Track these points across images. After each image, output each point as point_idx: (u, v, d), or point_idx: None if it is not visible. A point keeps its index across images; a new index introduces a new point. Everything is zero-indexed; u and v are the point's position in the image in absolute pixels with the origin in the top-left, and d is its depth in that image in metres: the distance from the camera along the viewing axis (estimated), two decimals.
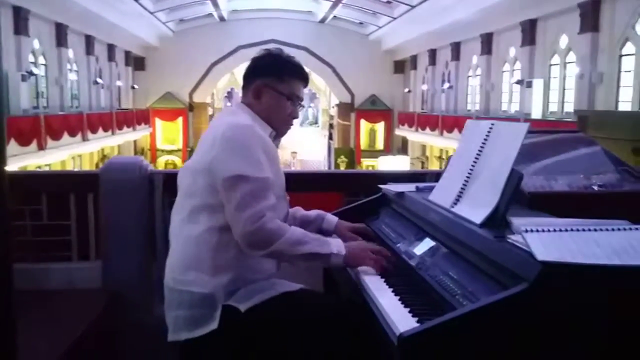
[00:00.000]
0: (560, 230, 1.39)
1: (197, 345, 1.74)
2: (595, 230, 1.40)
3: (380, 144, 27.20)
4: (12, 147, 11.48)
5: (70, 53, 18.09)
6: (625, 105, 11.12)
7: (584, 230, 1.40)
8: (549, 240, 1.33)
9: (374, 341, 1.59)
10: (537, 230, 1.38)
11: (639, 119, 2.81)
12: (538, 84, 14.72)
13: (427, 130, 20.15)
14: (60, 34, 16.99)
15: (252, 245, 1.70)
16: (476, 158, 1.83)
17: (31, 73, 14.69)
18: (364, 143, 27.05)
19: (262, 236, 1.69)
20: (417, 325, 1.30)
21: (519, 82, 15.60)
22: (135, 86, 25.32)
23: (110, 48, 21.86)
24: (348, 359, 1.72)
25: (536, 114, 14.59)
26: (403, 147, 25.98)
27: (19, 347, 1.47)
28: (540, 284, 1.21)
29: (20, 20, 14.15)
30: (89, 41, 19.47)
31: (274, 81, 1.93)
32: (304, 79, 2.00)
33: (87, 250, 2.92)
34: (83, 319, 2.44)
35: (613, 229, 1.39)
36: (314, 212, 2.21)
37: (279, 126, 1.97)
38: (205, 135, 1.89)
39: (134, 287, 2.80)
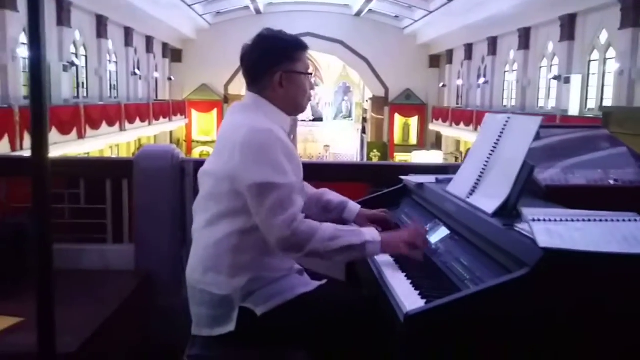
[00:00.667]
0: (568, 220, 1.44)
1: (216, 342, 1.80)
2: (602, 220, 1.44)
3: (413, 139, 27.08)
4: (53, 135, 11.87)
5: (110, 44, 18.54)
6: None
7: (591, 220, 1.44)
8: (554, 229, 1.38)
9: (389, 334, 1.66)
10: (545, 220, 1.44)
11: None
12: (576, 80, 14.46)
13: (462, 125, 20.00)
14: (101, 25, 17.43)
15: (288, 250, 1.73)
16: (492, 151, 1.88)
17: (72, 64, 15.13)
18: (397, 137, 26.96)
19: (296, 240, 1.71)
20: (423, 305, 1.37)
21: (556, 77, 15.35)
22: (172, 78, 25.75)
23: (149, 40, 22.28)
24: (365, 357, 1.77)
25: (573, 110, 14.35)
26: (437, 142, 25.81)
27: (58, 320, 1.59)
28: (541, 269, 1.26)
29: (63, 12, 14.60)
30: (128, 33, 19.91)
31: (291, 64, 1.90)
32: (307, 47, 1.97)
33: (121, 234, 3.06)
34: (116, 298, 2.56)
35: (620, 220, 1.43)
36: (338, 199, 2.23)
37: (303, 104, 1.97)
38: (223, 137, 1.87)
39: (164, 270, 2.92)
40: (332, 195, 2.23)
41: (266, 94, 1.90)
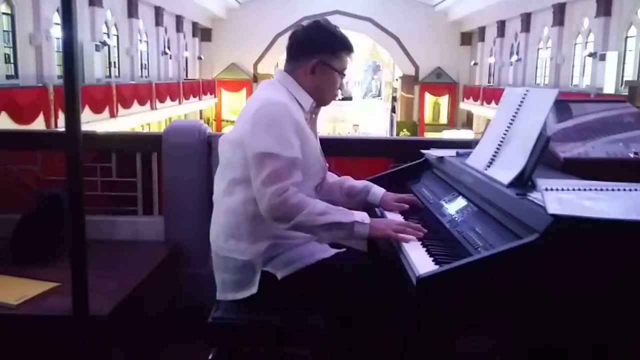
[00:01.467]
0: (581, 190, 1.47)
1: (239, 306, 1.89)
2: (615, 190, 1.46)
3: (444, 118, 26.81)
4: (86, 114, 12.13)
5: (141, 24, 18.74)
6: None
7: (604, 190, 1.47)
8: (566, 198, 1.41)
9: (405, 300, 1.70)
10: (558, 189, 1.46)
11: None
12: (612, 57, 14.09)
13: (493, 104, 19.69)
14: (131, 5, 17.62)
15: (275, 219, 1.77)
16: (510, 123, 1.91)
17: (104, 43, 15.37)
18: (427, 117, 26.73)
19: (284, 210, 1.74)
20: (436, 269, 1.42)
21: (591, 55, 15.00)
22: (202, 57, 25.91)
23: (178, 19, 22.43)
24: (381, 324, 1.82)
25: (608, 88, 14.01)
26: (468, 122, 25.51)
27: (92, 286, 1.68)
28: (550, 236, 1.30)
29: None
30: (158, 12, 20.07)
31: (330, 58, 1.96)
32: (352, 50, 2.04)
33: (151, 206, 3.17)
34: (146, 267, 2.67)
35: (633, 190, 1.45)
36: (361, 184, 2.24)
37: (328, 99, 2.03)
38: (245, 107, 1.95)
39: (192, 241, 3.03)
40: (354, 181, 2.25)
41: (297, 74, 1.97)
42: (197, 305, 2.82)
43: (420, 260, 1.53)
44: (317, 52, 1.95)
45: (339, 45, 1.99)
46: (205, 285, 2.31)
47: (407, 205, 2.15)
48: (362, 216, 1.83)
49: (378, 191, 2.22)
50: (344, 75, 2.03)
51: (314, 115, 2.04)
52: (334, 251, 1.93)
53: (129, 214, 3.16)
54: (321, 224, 1.78)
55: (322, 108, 2.08)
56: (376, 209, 2.21)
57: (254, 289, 1.85)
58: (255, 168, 1.78)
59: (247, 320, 1.85)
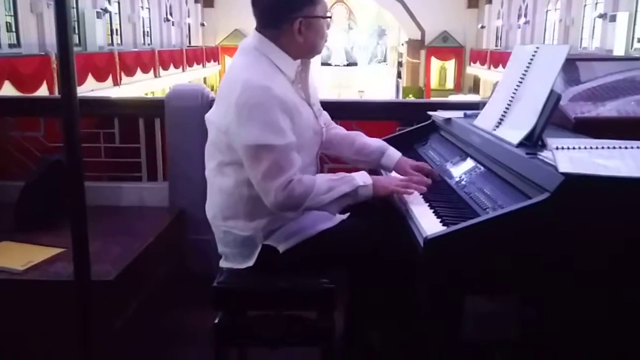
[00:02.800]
0: (592, 148, 1.43)
1: (242, 272, 1.86)
2: (627, 148, 1.42)
3: (450, 83, 26.54)
4: (90, 82, 12.06)
5: None
6: None
7: (616, 148, 1.43)
8: (577, 156, 1.37)
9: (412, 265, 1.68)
10: (568, 148, 1.43)
11: None
12: (622, 17, 13.82)
13: (501, 68, 19.43)
14: None
15: (284, 210, 1.73)
16: (519, 82, 1.85)
17: (105, 10, 15.20)
18: (434, 82, 26.47)
19: (292, 202, 1.71)
20: (444, 230, 1.39)
21: (601, 16, 14.71)
22: (205, 23, 25.61)
23: None
24: (388, 290, 1.80)
25: (619, 50, 13.77)
26: (475, 87, 25.25)
27: (98, 251, 1.67)
28: (561, 194, 1.27)
29: None
30: None
31: (311, 9, 1.78)
32: None
33: (155, 172, 3.15)
34: (151, 233, 2.66)
35: None
36: (375, 143, 2.11)
37: (321, 48, 1.87)
38: (223, 83, 1.81)
39: (196, 207, 3.00)
40: (368, 139, 2.12)
41: (280, 41, 1.79)
42: (201, 271, 2.81)
43: (427, 222, 1.50)
44: (297, 10, 1.76)
45: None
46: (209, 251, 2.30)
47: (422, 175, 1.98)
48: (363, 178, 1.79)
49: (394, 154, 2.08)
50: (330, 17, 1.87)
51: (303, 74, 1.89)
52: (337, 219, 1.87)
53: (133, 180, 3.14)
54: (328, 202, 1.75)
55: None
56: (382, 171, 2.16)
57: (251, 262, 1.83)
58: (251, 161, 1.70)
59: (252, 286, 1.84)
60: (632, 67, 2.40)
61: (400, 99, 26.36)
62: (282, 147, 1.69)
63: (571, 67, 2.39)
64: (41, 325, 2.13)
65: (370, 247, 1.81)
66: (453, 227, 1.35)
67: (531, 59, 1.85)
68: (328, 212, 1.83)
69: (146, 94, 17.38)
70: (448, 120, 2.28)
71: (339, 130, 2.13)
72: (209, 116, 1.86)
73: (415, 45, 26.68)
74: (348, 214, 1.91)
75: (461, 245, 1.33)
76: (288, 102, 1.73)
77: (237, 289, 1.84)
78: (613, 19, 14.01)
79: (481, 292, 1.47)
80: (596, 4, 15.62)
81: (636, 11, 13.71)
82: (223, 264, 1.93)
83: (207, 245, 2.69)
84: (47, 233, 2.50)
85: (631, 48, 13.68)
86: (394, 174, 2.06)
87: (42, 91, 10.55)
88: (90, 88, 11.86)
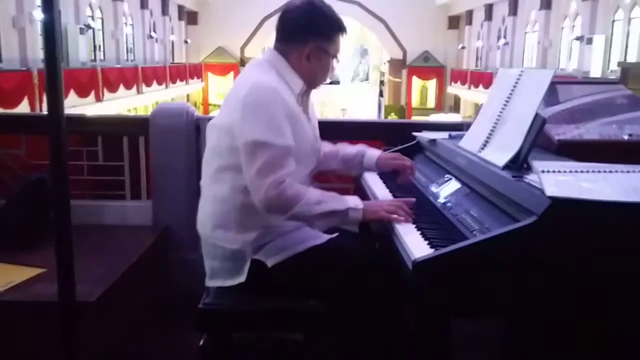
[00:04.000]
0: (577, 172, 1.45)
1: (229, 292, 1.84)
2: (612, 172, 1.45)
3: (431, 102, 26.81)
4: (71, 98, 11.96)
5: (126, 7, 18.46)
6: None
7: (601, 172, 1.45)
8: (563, 180, 1.39)
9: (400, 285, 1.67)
10: (554, 171, 1.45)
11: None
12: (599, 40, 14.12)
13: (481, 88, 19.71)
14: None
15: (271, 211, 1.73)
16: (504, 105, 1.88)
17: (88, 26, 15.15)
18: (415, 101, 26.71)
19: (281, 202, 1.71)
20: (431, 252, 1.39)
21: (578, 38, 15.02)
22: (188, 40, 25.63)
23: (164, 2, 22.15)
24: (376, 308, 1.79)
25: (595, 72, 14.05)
26: (455, 106, 25.54)
27: (79, 271, 1.65)
28: (548, 218, 1.28)
29: None
30: None
31: (326, 43, 1.89)
32: (346, 32, 1.96)
33: (139, 190, 3.12)
34: (134, 252, 2.63)
35: (630, 172, 1.44)
36: (354, 149, 2.21)
37: (319, 83, 1.97)
38: (232, 90, 1.85)
39: (181, 226, 2.98)
40: (349, 147, 2.22)
41: (290, 57, 1.88)
42: (187, 291, 2.78)
43: (415, 244, 1.50)
44: (313, 37, 1.87)
45: (335, 29, 1.91)
46: (195, 270, 2.28)
47: (408, 160, 2.13)
48: (355, 201, 1.80)
49: (373, 154, 2.18)
50: (338, 59, 1.96)
51: (305, 97, 1.96)
52: (326, 237, 1.88)
53: (116, 198, 3.11)
54: (317, 214, 1.75)
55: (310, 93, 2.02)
56: (368, 192, 2.17)
57: (242, 278, 1.81)
58: (247, 157, 1.72)
59: (239, 306, 1.82)
60: (608, 89, 2.45)
61: (383, 117, 26.54)
62: (280, 147, 1.72)
63: (550, 88, 2.43)
64: (22, 348, 2.09)
65: (358, 265, 1.81)
66: (441, 250, 1.35)
67: (516, 83, 1.88)
68: (315, 228, 1.85)
69: (129, 111, 17.30)
70: (433, 141, 2.30)
71: (324, 145, 2.17)
72: (213, 121, 1.90)
73: (397, 65, 26.96)
74: (337, 234, 1.91)
75: (449, 267, 1.33)
76: (293, 110, 1.80)
77: (223, 311, 1.82)
78: (590, 41, 14.31)
79: (468, 315, 1.48)
80: (573, 27, 15.94)
81: (612, 34, 14.02)
82: (209, 282, 1.91)
83: (192, 265, 2.67)
84: (27, 252, 2.46)
85: (608, 70, 13.97)
86: (383, 196, 2.07)
87: (23, 107, 10.43)
88: (72, 104, 11.76)
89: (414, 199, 1.85)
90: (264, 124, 1.71)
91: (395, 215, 1.75)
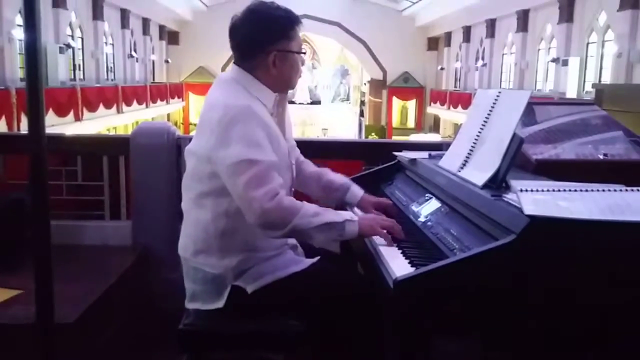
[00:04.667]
0: (555, 191, 1.48)
1: (210, 315, 1.82)
2: (589, 191, 1.47)
3: (411, 122, 27.05)
4: (50, 117, 11.84)
5: (106, 26, 18.41)
6: None
7: (577, 191, 1.48)
8: (541, 199, 1.41)
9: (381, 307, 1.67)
10: (532, 190, 1.47)
11: None
12: (574, 62, 14.42)
13: (460, 108, 19.95)
14: (96, 7, 17.30)
15: (268, 225, 1.67)
16: (483, 125, 1.91)
17: (68, 46, 15.06)
18: (395, 121, 26.93)
19: (279, 214, 1.65)
20: (412, 271, 1.40)
21: (554, 60, 15.31)
22: (169, 60, 25.62)
23: (145, 22, 22.13)
24: (357, 333, 1.77)
25: (571, 93, 14.32)
26: (435, 126, 25.78)
27: (57, 292, 1.62)
28: (526, 236, 1.30)
29: None
30: (124, 15, 19.77)
31: (285, 43, 1.82)
32: (300, 20, 1.86)
33: (118, 210, 3.09)
34: (114, 273, 2.61)
35: (605, 190, 1.47)
36: (339, 180, 2.13)
37: (293, 83, 1.90)
38: (202, 115, 1.81)
39: (161, 246, 2.96)
40: (334, 176, 2.14)
41: (257, 73, 1.83)
42: (167, 311, 2.75)
43: (396, 263, 1.51)
44: (271, 44, 1.80)
45: (289, 25, 1.83)
46: (175, 291, 2.26)
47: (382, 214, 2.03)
48: (351, 214, 1.78)
49: (357, 191, 2.11)
50: (304, 52, 1.91)
51: (280, 108, 1.90)
52: (307, 262, 1.86)
53: (95, 218, 3.08)
54: (315, 226, 1.69)
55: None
56: (347, 208, 2.17)
57: (220, 303, 1.79)
58: (233, 177, 1.67)
59: (219, 327, 1.80)
60: (583, 110, 2.50)
61: (364, 137, 26.71)
62: (264, 161, 1.68)
63: (527, 108, 2.48)
64: None
65: (340, 291, 1.79)
66: (422, 269, 1.37)
67: (494, 103, 1.92)
68: (313, 244, 1.76)
69: (108, 130, 17.16)
70: (413, 160, 2.32)
71: (307, 165, 2.15)
72: (190, 147, 1.85)
73: (377, 85, 27.20)
74: (318, 258, 1.90)
75: (430, 286, 1.34)
76: (269, 124, 1.76)
77: (203, 331, 1.81)
78: (565, 63, 14.60)
79: (449, 333, 1.48)
80: (549, 49, 16.26)
81: (586, 56, 14.34)
82: (189, 304, 1.89)
83: (172, 285, 2.64)
84: (4, 274, 2.41)
85: (583, 91, 14.25)
86: (356, 210, 2.09)
87: (1, 126, 10.31)
88: (50, 123, 11.64)
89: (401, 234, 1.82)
90: (244, 144, 1.67)
91: (388, 232, 1.74)
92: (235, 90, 1.80)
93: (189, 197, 1.85)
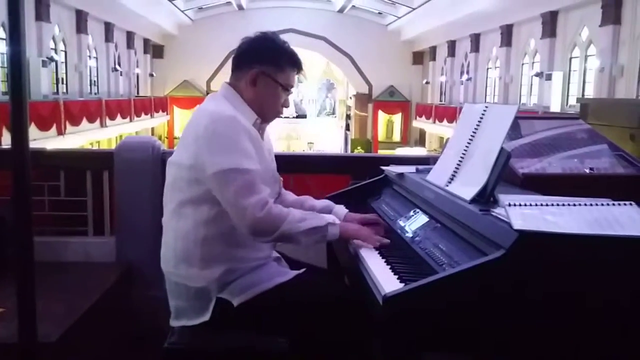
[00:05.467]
0: (542, 205, 1.47)
1: (195, 332, 1.80)
2: (576, 205, 1.47)
3: (397, 136, 27.18)
4: (32, 131, 11.71)
5: (90, 40, 18.32)
6: None
7: (565, 205, 1.47)
8: (529, 213, 1.41)
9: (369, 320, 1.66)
10: (520, 205, 1.47)
11: (636, 107, 2.86)
12: (557, 76, 14.60)
13: (445, 122, 20.10)
14: (80, 20, 17.22)
15: (259, 232, 1.71)
16: (470, 139, 1.91)
17: (51, 59, 14.94)
18: (381, 134, 27.04)
19: (269, 222, 1.70)
20: (402, 287, 1.39)
21: (538, 74, 15.49)
22: (154, 74, 25.56)
23: (129, 35, 22.07)
24: (344, 344, 1.77)
25: (555, 107, 14.48)
26: (420, 139, 25.92)
27: (39, 310, 1.58)
28: (516, 251, 1.29)
29: (42, 7, 14.39)
30: (109, 28, 19.70)
31: (273, 70, 1.87)
32: (300, 68, 1.95)
33: (102, 226, 3.05)
34: (97, 290, 2.56)
35: (592, 205, 1.47)
36: (322, 203, 2.17)
37: (269, 115, 1.93)
38: (188, 125, 1.84)
39: (145, 262, 2.92)
40: (314, 201, 2.18)
41: (239, 87, 1.89)
42: (152, 329, 2.71)
43: (385, 279, 1.50)
44: (258, 62, 1.86)
45: (284, 58, 1.89)
46: (160, 308, 2.22)
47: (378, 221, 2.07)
48: (333, 218, 1.89)
49: (340, 211, 2.13)
50: (289, 91, 1.93)
51: (260, 131, 1.92)
52: (292, 274, 1.87)
53: (78, 234, 3.03)
54: (302, 231, 1.76)
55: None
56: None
57: (206, 317, 1.77)
58: (221, 186, 1.70)
59: (204, 345, 1.77)
60: (568, 124, 2.52)
61: (350, 151, 26.77)
62: (251, 170, 1.72)
63: (513, 122, 2.49)
64: None
65: (326, 301, 1.79)
66: (411, 285, 1.35)
67: (481, 118, 1.92)
68: (299, 246, 1.81)
69: (91, 144, 17.03)
70: (401, 175, 2.32)
71: (288, 195, 2.17)
72: (171, 159, 1.87)
73: (362, 99, 27.33)
74: (304, 269, 1.90)
75: (420, 302, 1.33)
76: (253, 134, 1.80)
77: (188, 350, 1.78)
78: (549, 77, 14.78)
79: (439, 348, 1.46)
80: (533, 63, 16.46)
81: (570, 71, 14.54)
82: (174, 322, 1.86)
83: (157, 302, 2.60)
84: None
85: (566, 105, 14.42)
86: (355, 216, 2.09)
87: None
88: (32, 137, 11.51)
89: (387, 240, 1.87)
90: (231, 152, 1.71)
91: (368, 239, 1.83)
92: (222, 103, 1.85)
93: (169, 209, 1.85)
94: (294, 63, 1.92)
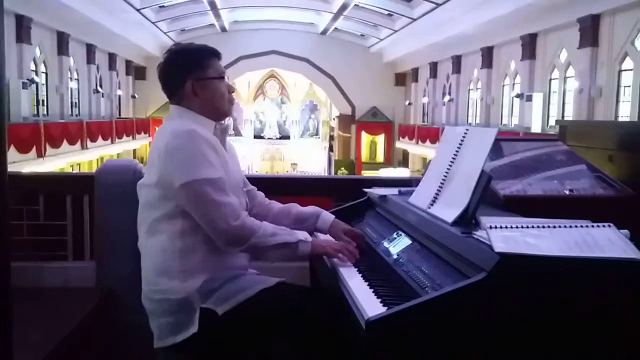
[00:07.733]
0: (523, 227, 1.48)
1: (179, 350, 1.79)
2: (556, 227, 1.48)
3: (380, 157, 27.30)
4: (11, 154, 11.59)
5: (71, 61, 18.24)
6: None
7: (545, 227, 1.49)
8: (510, 235, 1.42)
9: (349, 332, 1.65)
10: (501, 227, 1.47)
11: (614, 129, 2.91)
12: (538, 97, 14.83)
13: (428, 143, 20.24)
14: (62, 42, 17.15)
15: (231, 242, 1.79)
16: (451, 162, 1.92)
17: (32, 81, 14.84)
18: (364, 155, 27.14)
19: (242, 233, 1.77)
20: (384, 311, 1.38)
21: (518, 95, 15.72)
22: (136, 95, 25.49)
23: (111, 57, 22.03)
24: (325, 350, 1.77)
25: (536, 127, 14.68)
26: (404, 160, 26.07)
27: (15, 338, 1.55)
28: (497, 273, 1.30)
29: (23, 28, 14.30)
30: (90, 50, 19.65)
31: (201, 71, 1.93)
32: (217, 54, 2.00)
33: (82, 250, 3.01)
34: (76, 316, 2.51)
35: (573, 226, 1.48)
36: (309, 209, 2.19)
37: (223, 109, 1.99)
38: (152, 148, 1.91)
39: (126, 287, 2.87)
40: (302, 208, 2.21)
41: (184, 104, 1.94)
42: (134, 355, 2.66)
43: (367, 301, 1.49)
44: (186, 74, 1.93)
45: (201, 56, 1.96)
46: (142, 333, 2.19)
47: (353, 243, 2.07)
48: (305, 235, 1.93)
49: (328, 217, 2.17)
50: (224, 77, 1.99)
51: (222, 141, 1.96)
52: (274, 280, 1.90)
53: (57, 259, 2.98)
54: (272, 245, 1.82)
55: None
56: (327, 234, 2.17)
57: (194, 329, 1.76)
58: (189, 197, 1.75)
59: None
60: (548, 145, 2.56)
61: (333, 172, 26.84)
62: (217, 179, 1.77)
63: (494, 144, 2.52)
64: None
65: (311, 301, 1.83)
66: (394, 308, 1.35)
67: (462, 140, 1.93)
68: (268, 260, 1.91)
69: (72, 167, 16.87)
70: (383, 197, 2.32)
71: (274, 205, 2.20)
72: (141, 182, 1.92)
73: (346, 120, 27.49)
74: (284, 279, 1.93)
75: (403, 325, 1.32)
76: (214, 144, 1.85)
77: None
78: (529, 98, 14.99)
79: None
80: (513, 84, 16.71)
81: (549, 92, 14.78)
82: (159, 343, 1.84)
83: (138, 327, 2.55)
84: None
85: (547, 126, 14.63)
86: (328, 236, 2.14)
87: None
88: (11, 160, 11.39)
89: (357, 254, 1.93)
90: (194, 164, 1.76)
91: (340, 255, 1.88)
92: (179, 120, 1.90)
93: (143, 231, 1.89)
94: (211, 53, 1.99)
